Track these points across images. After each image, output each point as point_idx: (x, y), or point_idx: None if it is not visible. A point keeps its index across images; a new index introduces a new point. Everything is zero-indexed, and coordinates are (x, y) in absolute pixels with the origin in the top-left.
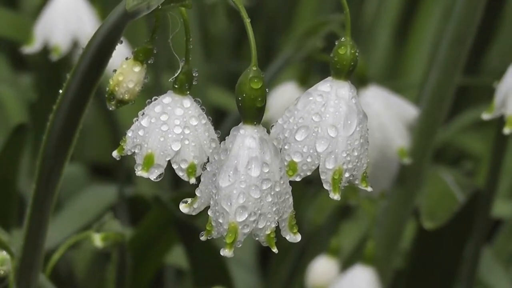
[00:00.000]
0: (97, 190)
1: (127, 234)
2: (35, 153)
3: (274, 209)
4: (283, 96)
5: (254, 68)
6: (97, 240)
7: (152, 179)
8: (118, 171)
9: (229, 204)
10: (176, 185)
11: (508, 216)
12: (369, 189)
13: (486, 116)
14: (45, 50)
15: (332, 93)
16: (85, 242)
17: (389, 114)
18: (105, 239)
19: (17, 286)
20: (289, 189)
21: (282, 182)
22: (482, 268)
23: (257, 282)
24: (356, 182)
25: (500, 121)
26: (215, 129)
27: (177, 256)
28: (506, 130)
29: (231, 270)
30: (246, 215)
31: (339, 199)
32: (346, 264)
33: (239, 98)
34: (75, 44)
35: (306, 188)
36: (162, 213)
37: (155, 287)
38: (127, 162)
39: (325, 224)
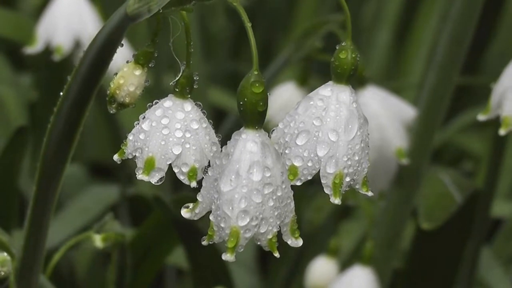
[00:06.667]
0: (97, 190)
1: (128, 235)
2: (36, 153)
3: (276, 213)
4: (282, 96)
5: (256, 72)
6: (98, 240)
7: (153, 183)
8: (119, 172)
9: (230, 208)
10: (176, 186)
11: (508, 216)
12: (370, 193)
13: (481, 117)
14: (45, 50)
15: (333, 97)
16: (86, 242)
17: (387, 115)
18: (106, 240)
19: (17, 286)
20: (291, 193)
21: (283, 186)
22: (481, 268)
23: (257, 283)
24: (357, 186)
25: (499, 121)
26: (215, 129)
27: (177, 257)
28: (502, 131)
29: (231, 271)
30: (248, 220)
31: (340, 203)
32: (345, 265)
33: (241, 103)
34: (77, 45)
35: (306, 189)
36: (163, 214)
37: (155, 287)
38: (128, 162)
39: (324, 225)
